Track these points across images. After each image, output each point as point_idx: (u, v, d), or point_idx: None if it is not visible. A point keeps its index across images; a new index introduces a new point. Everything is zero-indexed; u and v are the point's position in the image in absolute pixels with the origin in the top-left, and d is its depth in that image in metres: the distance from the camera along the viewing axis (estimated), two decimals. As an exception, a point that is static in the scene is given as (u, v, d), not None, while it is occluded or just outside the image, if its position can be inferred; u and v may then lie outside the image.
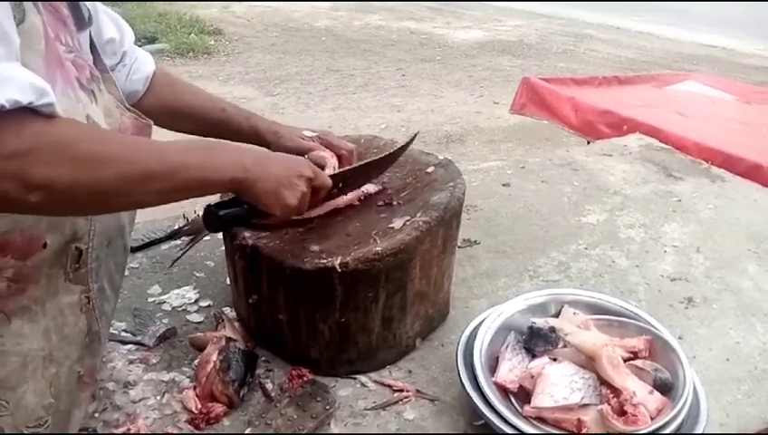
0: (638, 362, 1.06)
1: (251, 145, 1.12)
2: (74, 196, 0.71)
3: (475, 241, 1.64)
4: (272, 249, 1.12)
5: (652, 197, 1.90)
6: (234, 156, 0.87)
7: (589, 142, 2.76)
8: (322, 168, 1.19)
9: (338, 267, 1.07)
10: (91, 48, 0.95)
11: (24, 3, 0.71)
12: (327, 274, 1.07)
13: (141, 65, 1.16)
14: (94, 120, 0.83)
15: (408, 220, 1.16)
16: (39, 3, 0.74)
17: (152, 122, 0.97)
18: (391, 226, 1.16)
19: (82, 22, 0.91)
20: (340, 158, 1.28)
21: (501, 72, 6.95)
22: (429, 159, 1.38)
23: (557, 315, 1.18)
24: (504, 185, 1.95)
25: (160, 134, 0.99)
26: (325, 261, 1.08)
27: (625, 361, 1.06)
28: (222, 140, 0.96)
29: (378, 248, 1.09)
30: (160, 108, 1.20)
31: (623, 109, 2.58)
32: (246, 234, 1.14)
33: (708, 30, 8.32)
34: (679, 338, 1.26)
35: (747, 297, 1.45)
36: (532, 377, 1.02)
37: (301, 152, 1.20)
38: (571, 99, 2.73)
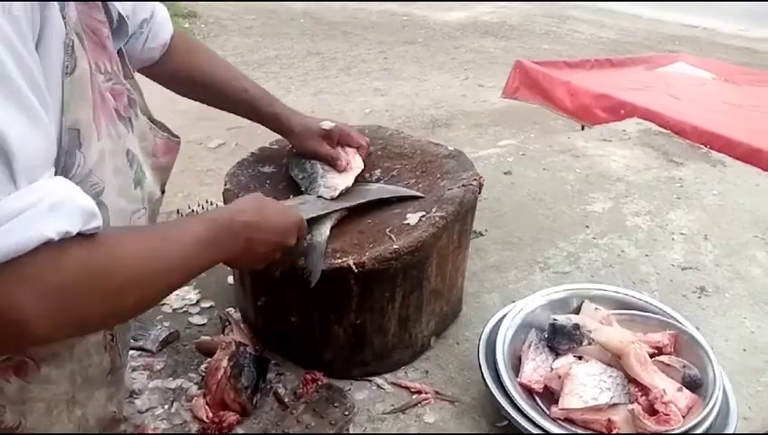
0: (664, 359, 1.03)
1: (249, 210, 0.88)
2: (98, 327, 0.74)
3: (481, 232, 1.60)
4: (282, 249, 1.06)
5: (655, 183, 1.88)
6: (228, 245, 0.81)
7: (583, 127, 2.73)
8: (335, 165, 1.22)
9: (354, 267, 1.02)
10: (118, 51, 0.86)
11: (75, 44, 0.64)
12: (342, 274, 1.03)
13: (160, 31, 1.07)
14: (132, 152, 0.77)
15: (423, 216, 1.12)
16: (83, 33, 0.68)
17: (180, 140, 0.91)
18: (406, 222, 1.11)
19: (123, 32, 0.84)
20: (358, 149, 1.27)
21: (484, 54, 6.89)
22: (439, 150, 1.33)
23: (577, 311, 1.15)
24: (505, 173, 1.91)
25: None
26: (340, 261, 1.03)
27: (650, 357, 1.03)
28: (224, 222, 0.80)
29: (395, 246, 1.04)
30: (177, 76, 1.14)
31: (619, 92, 2.56)
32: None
33: (690, 10, 8.33)
34: (696, 329, 1.23)
35: (758, 285, 1.44)
36: (560, 377, 0.99)
37: (316, 157, 1.23)
38: (566, 83, 2.70)
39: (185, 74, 1.15)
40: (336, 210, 1.13)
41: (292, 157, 1.28)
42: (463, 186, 1.19)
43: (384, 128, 1.44)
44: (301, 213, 1.00)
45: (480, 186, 1.23)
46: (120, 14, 0.82)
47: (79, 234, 0.60)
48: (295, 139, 1.25)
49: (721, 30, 7.78)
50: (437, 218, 1.10)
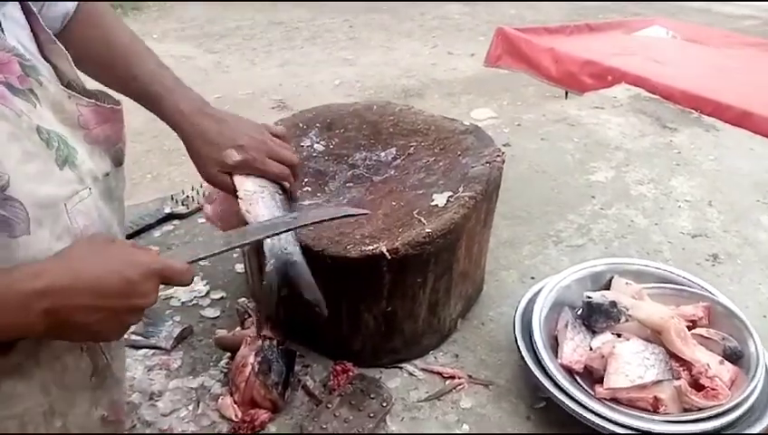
0: (702, 331, 1.03)
1: (50, 272, 0.62)
2: None
3: (489, 207, 1.57)
4: (306, 237, 1.01)
5: (653, 150, 1.87)
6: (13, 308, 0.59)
7: (567, 95, 2.72)
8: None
9: (387, 254, 0.97)
10: (25, 13, 0.72)
11: None
12: (375, 261, 0.98)
13: None
14: (45, 129, 0.65)
15: (451, 196, 1.07)
16: None
17: (121, 106, 0.77)
18: (434, 203, 1.07)
19: None
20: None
21: (451, 20, 6.81)
22: (455, 126, 1.28)
23: (607, 286, 1.13)
24: (504, 145, 1.88)
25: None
26: (371, 247, 0.98)
27: (686, 330, 1.03)
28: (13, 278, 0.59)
29: (428, 230, 1.00)
30: (75, 52, 0.90)
31: (604, 58, 2.54)
32: (276, 221, 1.03)
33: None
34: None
35: (767, 250, 1.45)
36: (603, 357, 0.97)
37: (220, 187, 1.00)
38: (549, 49, 2.66)
39: (81, 51, 0.93)
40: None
41: None
42: (487, 163, 1.15)
43: (393, 103, 1.38)
44: (179, 255, 0.74)
45: (503, 161, 1.19)
46: None
47: None
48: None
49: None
50: (467, 199, 1.06)
